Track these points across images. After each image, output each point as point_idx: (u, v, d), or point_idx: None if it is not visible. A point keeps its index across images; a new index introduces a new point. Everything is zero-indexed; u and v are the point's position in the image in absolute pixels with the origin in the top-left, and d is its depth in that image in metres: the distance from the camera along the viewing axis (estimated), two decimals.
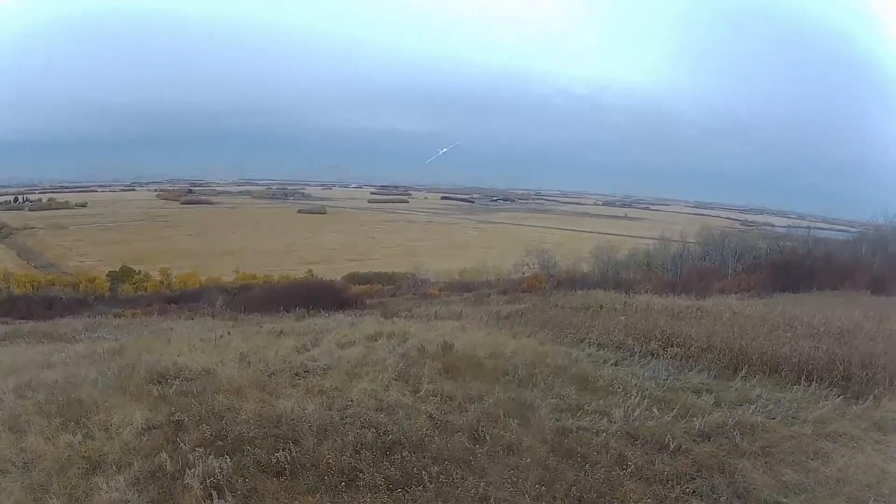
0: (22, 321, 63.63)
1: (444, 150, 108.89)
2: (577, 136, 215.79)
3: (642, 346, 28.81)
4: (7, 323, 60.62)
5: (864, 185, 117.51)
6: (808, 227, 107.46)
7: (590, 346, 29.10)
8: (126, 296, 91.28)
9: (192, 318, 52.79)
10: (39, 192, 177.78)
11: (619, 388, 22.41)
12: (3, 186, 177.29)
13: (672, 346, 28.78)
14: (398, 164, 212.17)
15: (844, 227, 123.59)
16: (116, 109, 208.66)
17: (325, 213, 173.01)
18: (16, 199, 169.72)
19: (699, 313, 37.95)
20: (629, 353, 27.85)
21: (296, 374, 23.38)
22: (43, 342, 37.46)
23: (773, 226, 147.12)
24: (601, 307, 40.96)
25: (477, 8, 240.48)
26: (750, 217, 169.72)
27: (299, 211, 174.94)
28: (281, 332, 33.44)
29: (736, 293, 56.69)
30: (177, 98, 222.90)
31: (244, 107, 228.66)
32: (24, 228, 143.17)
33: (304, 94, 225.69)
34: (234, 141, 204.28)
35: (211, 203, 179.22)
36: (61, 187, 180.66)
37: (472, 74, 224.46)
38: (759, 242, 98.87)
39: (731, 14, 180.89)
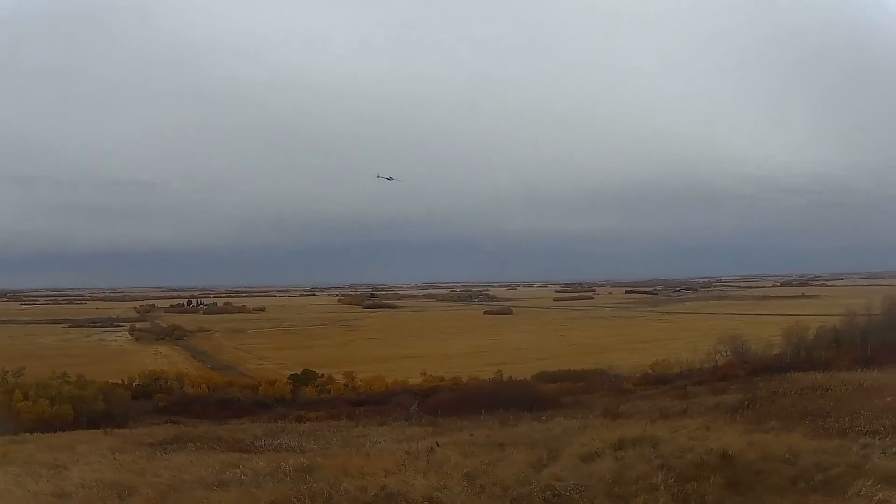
0: (195, 420, 62.21)
1: (389, 177, 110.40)
2: (755, 221, 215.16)
3: None
4: (179, 423, 57.87)
5: None
6: None
7: (859, 434, 24.40)
8: (308, 399, 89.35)
9: (385, 424, 48.54)
10: (214, 296, 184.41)
11: None
12: (177, 290, 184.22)
13: None
14: (581, 262, 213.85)
15: None
16: (295, 219, 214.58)
17: (510, 314, 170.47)
18: (189, 303, 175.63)
19: None
20: None
21: (545, 501, 18.12)
22: (215, 449, 32.75)
23: None
24: (826, 390, 36.94)
25: (640, 101, 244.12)
26: None
27: (485, 312, 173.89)
28: (502, 443, 28.24)
29: None
30: (358, 209, 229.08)
31: (423, 215, 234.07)
32: (200, 331, 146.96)
33: (482, 200, 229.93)
34: (415, 247, 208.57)
35: (394, 307, 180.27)
36: (237, 292, 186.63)
37: (642, 168, 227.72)
38: None
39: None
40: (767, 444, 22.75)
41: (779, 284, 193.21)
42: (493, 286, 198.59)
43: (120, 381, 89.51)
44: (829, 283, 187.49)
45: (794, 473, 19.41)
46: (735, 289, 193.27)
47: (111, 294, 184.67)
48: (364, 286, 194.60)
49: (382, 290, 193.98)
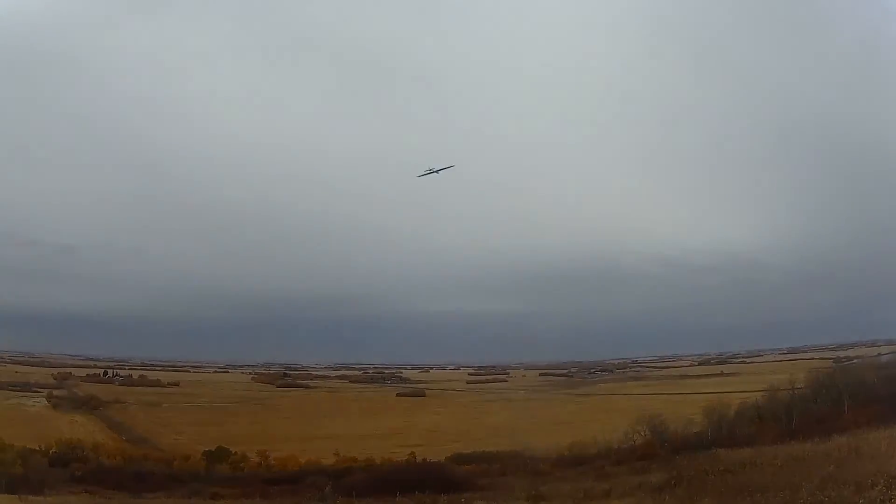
0: (111, 492, 61.07)
1: (439, 169, 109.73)
2: (671, 301, 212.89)
3: (864, 497, 24.39)
4: (95, 494, 57.25)
5: None
6: None
7: None
8: (223, 475, 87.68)
9: None
10: (129, 368, 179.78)
11: None
12: (93, 360, 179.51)
13: None
14: (494, 344, 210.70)
15: None
16: (213, 293, 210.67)
17: (423, 396, 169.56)
18: (105, 373, 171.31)
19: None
20: None
21: None
22: None
23: (875, 357, 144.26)
24: (757, 465, 37.44)
25: (563, 187, 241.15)
26: (842, 353, 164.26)
27: (398, 394, 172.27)
28: None
29: (858, 429, 53.35)
30: (272, 286, 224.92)
31: (338, 296, 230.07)
32: (115, 402, 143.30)
33: (395, 281, 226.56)
34: (326, 327, 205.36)
35: (307, 387, 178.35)
36: (152, 365, 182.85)
37: (553, 249, 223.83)
38: (866, 375, 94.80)
39: (809, 159, 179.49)
40: None
41: (696, 363, 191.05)
42: (406, 368, 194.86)
43: (38, 447, 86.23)
44: (748, 360, 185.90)
45: None
46: (651, 369, 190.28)
47: (30, 359, 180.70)
48: (277, 365, 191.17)
49: (296, 369, 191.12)
